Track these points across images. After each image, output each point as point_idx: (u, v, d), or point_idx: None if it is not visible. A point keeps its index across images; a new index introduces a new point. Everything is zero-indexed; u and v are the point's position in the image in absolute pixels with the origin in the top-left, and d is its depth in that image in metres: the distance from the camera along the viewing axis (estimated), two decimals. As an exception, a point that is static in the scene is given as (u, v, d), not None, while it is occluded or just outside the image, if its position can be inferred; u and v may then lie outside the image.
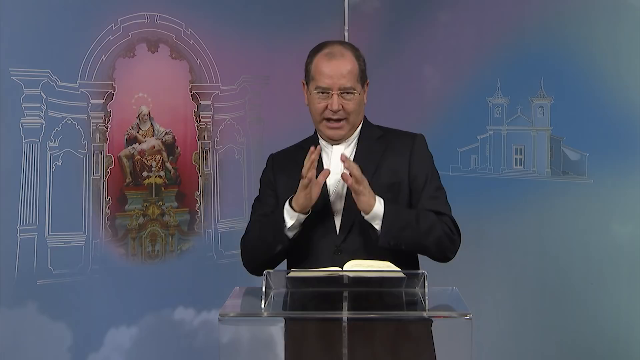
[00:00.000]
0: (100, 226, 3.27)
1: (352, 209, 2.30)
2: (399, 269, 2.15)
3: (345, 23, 4.04)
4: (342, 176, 2.24)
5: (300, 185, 2.26)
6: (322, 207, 2.33)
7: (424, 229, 2.29)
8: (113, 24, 3.28)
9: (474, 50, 3.72)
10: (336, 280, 2.10)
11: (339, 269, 2.17)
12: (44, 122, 3.09)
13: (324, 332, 2.03)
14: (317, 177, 2.27)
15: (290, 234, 2.30)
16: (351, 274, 2.10)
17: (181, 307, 3.51)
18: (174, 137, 3.50)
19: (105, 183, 3.29)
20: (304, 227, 2.32)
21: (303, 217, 2.29)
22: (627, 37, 3.23)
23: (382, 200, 2.27)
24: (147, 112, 3.41)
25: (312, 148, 2.26)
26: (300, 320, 2.09)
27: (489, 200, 3.67)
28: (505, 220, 3.60)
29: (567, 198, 3.44)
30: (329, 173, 2.27)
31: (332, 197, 2.36)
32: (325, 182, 2.33)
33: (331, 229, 2.35)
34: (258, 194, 2.51)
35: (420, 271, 2.03)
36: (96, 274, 3.25)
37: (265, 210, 2.43)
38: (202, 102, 3.58)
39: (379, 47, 3.91)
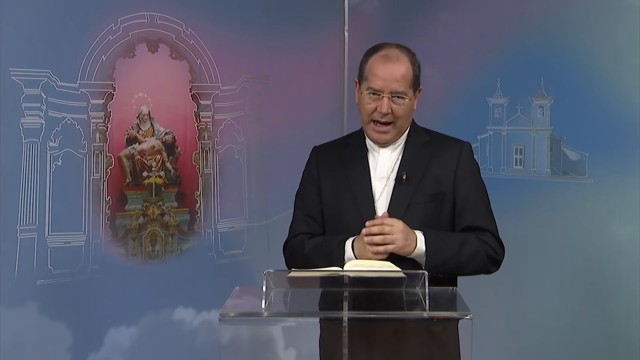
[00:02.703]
0: (100, 226, 3.27)
1: (395, 210, 2.30)
2: (399, 269, 2.16)
3: (345, 23, 4.04)
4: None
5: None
6: (366, 210, 2.33)
7: (465, 259, 2.32)
8: (113, 24, 3.28)
9: (474, 50, 3.72)
10: (336, 280, 2.10)
11: (339, 269, 2.17)
12: (44, 122, 3.09)
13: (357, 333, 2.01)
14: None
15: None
16: (351, 274, 2.11)
17: (181, 307, 3.51)
18: (174, 137, 3.50)
19: (105, 183, 3.29)
20: (349, 230, 2.33)
21: None
22: (627, 37, 3.23)
23: (422, 237, 2.27)
24: (147, 112, 3.41)
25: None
26: (334, 320, 2.09)
27: (488, 200, 3.66)
28: (505, 220, 3.58)
29: (567, 198, 3.43)
30: None
31: (376, 199, 2.35)
32: (370, 185, 2.36)
33: None
34: (299, 187, 2.51)
35: (420, 271, 2.04)
36: (96, 274, 3.24)
37: (311, 210, 2.44)
38: (202, 102, 3.58)
39: (379, 47, 3.90)
